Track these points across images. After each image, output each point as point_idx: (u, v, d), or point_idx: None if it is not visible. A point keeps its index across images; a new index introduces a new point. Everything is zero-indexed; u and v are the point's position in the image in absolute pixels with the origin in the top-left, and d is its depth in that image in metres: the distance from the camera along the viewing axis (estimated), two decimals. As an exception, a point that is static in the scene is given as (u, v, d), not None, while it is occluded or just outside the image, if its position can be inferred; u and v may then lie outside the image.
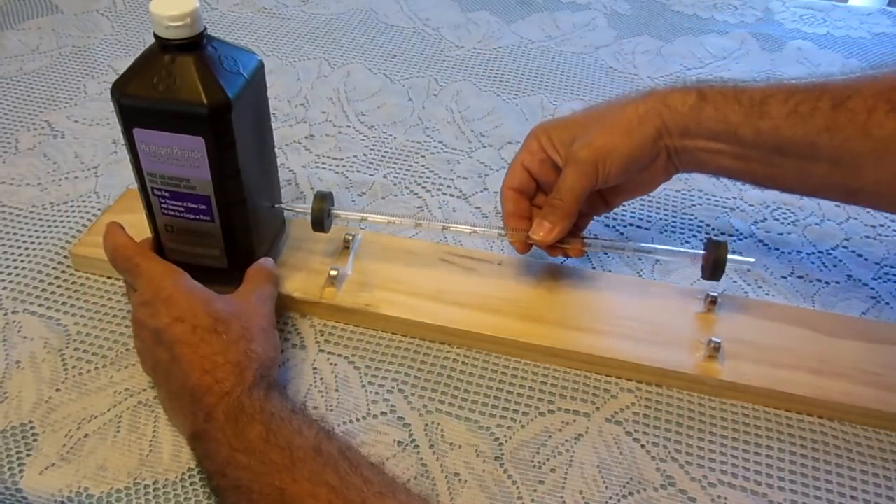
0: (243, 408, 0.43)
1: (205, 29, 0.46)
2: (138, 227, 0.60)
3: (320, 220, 0.56)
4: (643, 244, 0.55)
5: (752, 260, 0.54)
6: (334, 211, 0.57)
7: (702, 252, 0.54)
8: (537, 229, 0.53)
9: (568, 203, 0.52)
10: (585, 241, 0.55)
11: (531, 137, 0.56)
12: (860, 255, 0.65)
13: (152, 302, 0.48)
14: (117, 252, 0.52)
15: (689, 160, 0.53)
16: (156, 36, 0.46)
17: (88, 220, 0.65)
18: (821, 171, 0.50)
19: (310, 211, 0.55)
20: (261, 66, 0.51)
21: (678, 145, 0.52)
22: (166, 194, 0.51)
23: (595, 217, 0.60)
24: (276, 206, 0.57)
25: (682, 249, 0.55)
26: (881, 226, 0.68)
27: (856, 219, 0.69)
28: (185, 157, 0.48)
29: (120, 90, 0.47)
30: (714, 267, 0.53)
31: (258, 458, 0.41)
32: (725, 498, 0.47)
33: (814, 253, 0.65)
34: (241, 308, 0.49)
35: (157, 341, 0.47)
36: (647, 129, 0.51)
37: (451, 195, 0.70)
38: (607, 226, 0.66)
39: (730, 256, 0.53)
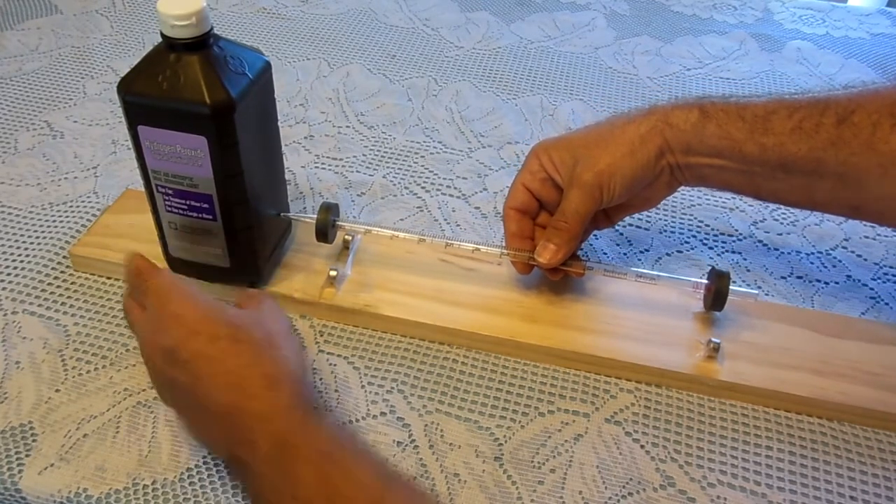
0: (287, 442, 0.39)
1: (211, 28, 0.46)
2: (137, 227, 0.60)
3: (324, 232, 0.56)
4: (644, 270, 0.55)
5: (756, 292, 0.54)
6: (339, 222, 0.57)
7: (704, 281, 0.54)
8: (542, 252, 0.53)
9: (573, 226, 0.52)
10: (587, 264, 0.55)
11: (532, 157, 0.56)
12: (859, 256, 0.65)
13: (160, 318, 0.44)
14: (131, 271, 0.48)
15: (692, 176, 0.53)
16: (162, 35, 0.46)
17: (88, 220, 0.65)
18: (825, 186, 0.50)
19: (314, 221, 0.56)
20: (267, 67, 0.51)
21: (681, 162, 0.52)
22: (170, 192, 0.51)
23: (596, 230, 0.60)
24: (282, 214, 0.57)
25: (684, 278, 0.55)
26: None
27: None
28: (188, 155, 0.48)
29: (125, 88, 0.47)
30: (715, 298, 0.53)
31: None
32: (725, 498, 0.47)
33: (813, 253, 0.65)
34: (256, 316, 0.47)
35: (171, 363, 0.42)
36: (649, 148, 0.51)
37: (451, 195, 0.70)
38: (607, 226, 0.66)
39: (732, 287, 0.53)
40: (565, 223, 0.52)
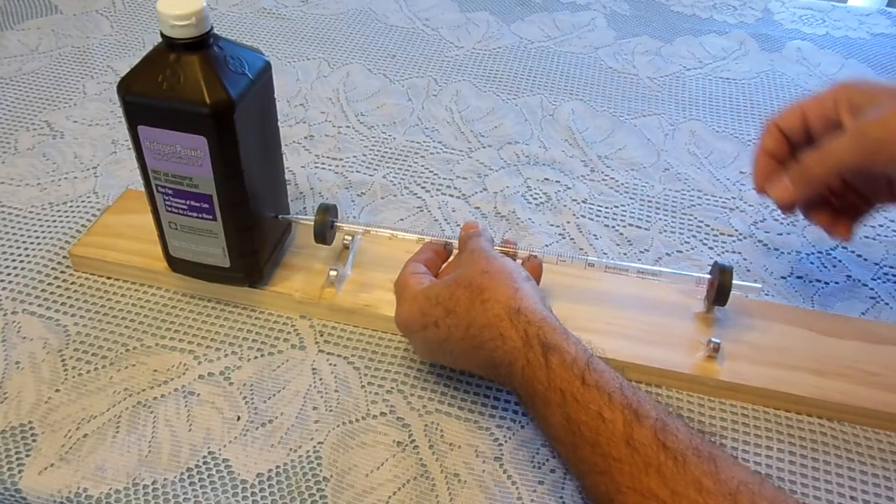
0: (532, 385, 0.42)
1: (211, 28, 0.47)
2: (136, 227, 0.60)
3: (322, 234, 0.56)
4: (647, 266, 0.55)
5: (759, 286, 0.54)
6: (338, 223, 0.57)
7: (707, 276, 0.54)
8: (774, 186, 0.48)
9: (820, 171, 0.46)
10: (588, 261, 0.55)
11: (829, 90, 0.49)
12: (859, 256, 0.65)
13: (398, 325, 0.49)
14: None
15: None
16: (162, 35, 0.46)
17: (88, 220, 0.65)
18: None
19: (312, 223, 0.56)
20: (267, 67, 0.51)
21: None
22: (170, 192, 0.51)
23: (849, 196, 0.52)
24: (280, 217, 0.57)
25: (686, 273, 0.55)
26: (880, 226, 0.68)
27: (855, 219, 0.69)
28: (188, 155, 0.48)
29: (125, 88, 0.47)
30: (719, 292, 0.53)
31: (571, 452, 0.40)
32: (725, 498, 0.47)
33: (813, 253, 0.65)
34: (456, 275, 0.47)
35: (431, 354, 0.50)
36: None
37: (451, 195, 0.70)
38: (606, 226, 0.66)
39: (735, 282, 0.53)
40: (815, 165, 0.46)
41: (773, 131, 0.52)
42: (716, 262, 0.54)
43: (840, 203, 0.52)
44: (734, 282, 0.53)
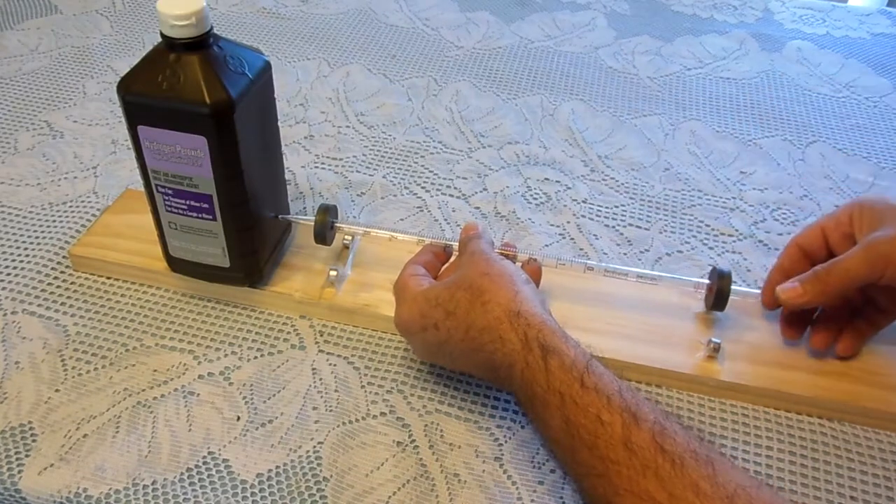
0: (531, 387, 0.42)
1: (211, 28, 0.47)
2: (137, 227, 0.60)
3: (322, 234, 0.56)
4: (646, 271, 0.55)
5: (757, 292, 0.54)
6: (337, 224, 0.57)
7: (706, 282, 0.54)
8: (787, 287, 0.51)
9: (833, 282, 0.49)
10: (588, 265, 0.55)
11: (846, 207, 0.52)
12: (860, 256, 0.65)
13: (398, 326, 0.50)
14: None
15: None
16: (162, 34, 0.46)
17: (87, 220, 0.65)
18: None
19: (313, 223, 0.56)
20: (267, 67, 0.51)
21: None
22: (170, 192, 0.51)
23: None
24: (280, 217, 0.57)
25: (685, 278, 0.55)
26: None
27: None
28: (188, 155, 0.48)
29: (125, 88, 0.47)
30: (717, 298, 0.53)
31: (569, 455, 0.41)
32: (725, 498, 0.46)
33: (813, 253, 0.65)
34: (456, 278, 0.47)
35: (432, 356, 0.50)
36: None
37: (451, 195, 0.70)
38: (607, 226, 0.66)
39: (734, 287, 0.53)
40: (828, 275, 0.49)
41: (793, 250, 0.54)
42: (714, 268, 0.54)
43: (855, 316, 0.54)
44: (733, 287, 0.53)
